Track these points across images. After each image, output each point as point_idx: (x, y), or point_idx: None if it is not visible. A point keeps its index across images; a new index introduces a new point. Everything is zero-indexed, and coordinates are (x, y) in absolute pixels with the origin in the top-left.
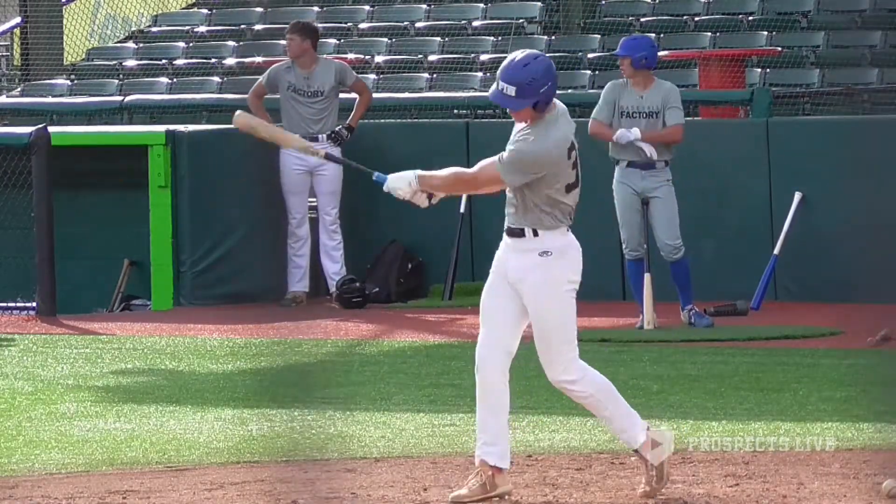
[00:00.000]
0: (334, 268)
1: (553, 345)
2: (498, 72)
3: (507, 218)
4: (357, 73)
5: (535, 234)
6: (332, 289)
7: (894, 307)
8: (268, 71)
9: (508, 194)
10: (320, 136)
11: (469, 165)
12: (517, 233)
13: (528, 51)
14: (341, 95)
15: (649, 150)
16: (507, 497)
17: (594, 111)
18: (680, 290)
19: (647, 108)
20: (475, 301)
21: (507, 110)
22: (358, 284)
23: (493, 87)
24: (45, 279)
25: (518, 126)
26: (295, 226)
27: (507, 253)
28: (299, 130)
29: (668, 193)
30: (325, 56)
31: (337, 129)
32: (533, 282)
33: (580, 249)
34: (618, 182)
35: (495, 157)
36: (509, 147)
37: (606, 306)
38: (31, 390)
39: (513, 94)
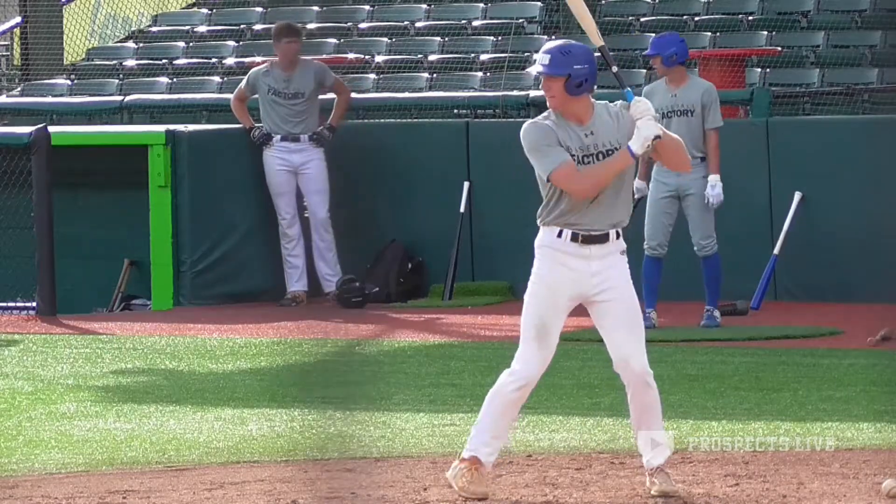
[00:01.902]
0: (327, 269)
1: (642, 334)
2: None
3: (579, 224)
4: (357, 73)
5: (618, 235)
6: (327, 290)
7: (894, 307)
8: (248, 75)
9: (592, 196)
10: (302, 136)
11: (469, 166)
12: (601, 238)
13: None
14: (330, 96)
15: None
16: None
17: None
18: (706, 287)
19: (681, 107)
20: (475, 301)
21: (545, 96)
22: (358, 284)
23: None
24: (45, 279)
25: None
26: (286, 226)
27: (579, 264)
28: (280, 132)
29: (702, 189)
30: (307, 57)
31: (319, 129)
32: (619, 278)
33: None
34: (654, 179)
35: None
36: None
37: None
38: (31, 390)
39: (546, 62)
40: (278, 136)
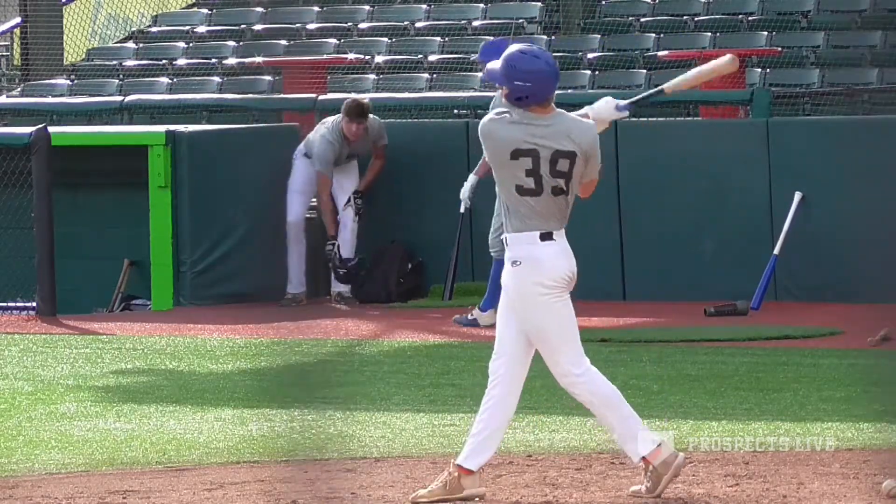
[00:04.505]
0: (345, 235)
1: (550, 349)
2: None
3: None
4: (357, 73)
5: (506, 242)
6: (334, 289)
7: (894, 307)
8: (323, 157)
9: None
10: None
11: (469, 165)
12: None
13: (546, 52)
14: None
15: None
16: (476, 500)
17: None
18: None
19: None
20: (475, 301)
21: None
22: (339, 255)
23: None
24: (45, 279)
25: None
26: (293, 225)
27: None
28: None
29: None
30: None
31: (359, 202)
32: (511, 292)
33: (567, 253)
34: None
35: None
36: None
37: (606, 306)
38: (31, 390)
39: (496, 66)
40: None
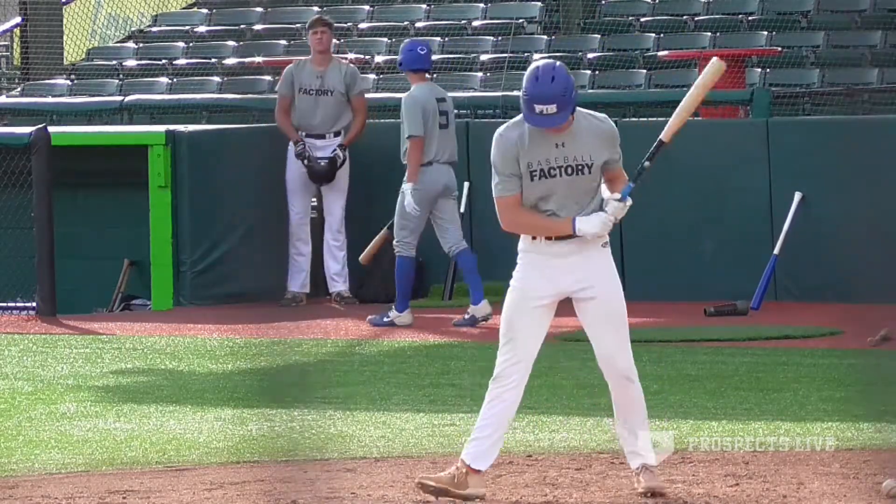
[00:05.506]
0: (336, 267)
1: (625, 332)
2: (525, 94)
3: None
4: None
5: None
6: (333, 289)
7: (894, 307)
8: (282, 76)
9: (580, 198)
10: (327, 134)
11: (468, 165)
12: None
13: (540, 63)
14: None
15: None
16: (477, 501)
17: (417, 128)
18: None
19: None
20: None
21: (546, 130)
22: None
23: (525, 111)
24: (45, 279)
25: (556, 138)
26: (296, 225)
27: (558, 262)
28: (306, 128)
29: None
30: (338, 56)
31: (333, 154)
32: (599, 273)
33: None
34: None
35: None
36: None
37: None
38: (31, 390)
39: (554, 111)
40: (303, 133)
